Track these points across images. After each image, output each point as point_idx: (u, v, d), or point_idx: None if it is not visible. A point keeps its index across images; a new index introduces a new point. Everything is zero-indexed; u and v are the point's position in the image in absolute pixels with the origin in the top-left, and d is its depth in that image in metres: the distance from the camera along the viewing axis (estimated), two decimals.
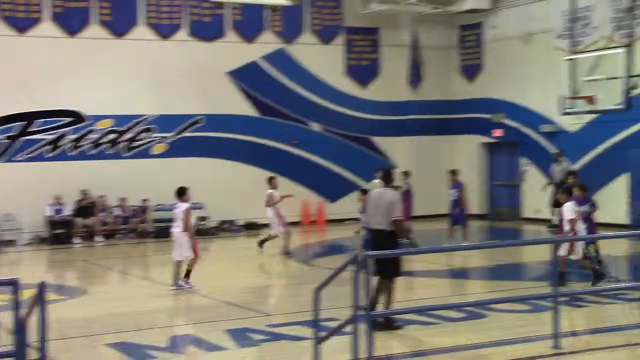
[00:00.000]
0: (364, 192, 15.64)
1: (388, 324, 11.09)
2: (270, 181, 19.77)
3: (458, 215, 20.41)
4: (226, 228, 25.19)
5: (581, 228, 14.19)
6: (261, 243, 19.50)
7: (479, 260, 18.12)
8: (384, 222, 11.22)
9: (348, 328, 8.86)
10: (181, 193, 14.91)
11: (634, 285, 13.33)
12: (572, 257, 14.09)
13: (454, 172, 21.03)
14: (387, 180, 11.78)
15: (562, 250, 13.83)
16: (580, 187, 15.46)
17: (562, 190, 14.64)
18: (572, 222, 13.91)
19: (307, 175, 26.56)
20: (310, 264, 18.46)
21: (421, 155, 27.31)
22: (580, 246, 14.10)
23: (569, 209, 14.01)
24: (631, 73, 19.85)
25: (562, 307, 10.17)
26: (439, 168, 26.77)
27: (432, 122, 28.49)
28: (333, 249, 21.64)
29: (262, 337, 11.02)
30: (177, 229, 14.85)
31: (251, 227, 25.11)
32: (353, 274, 8.66)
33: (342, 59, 27.50)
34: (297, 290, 15.14)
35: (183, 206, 14.81)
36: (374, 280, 10.82)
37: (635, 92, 20.11)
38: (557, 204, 23.79)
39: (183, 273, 14.72)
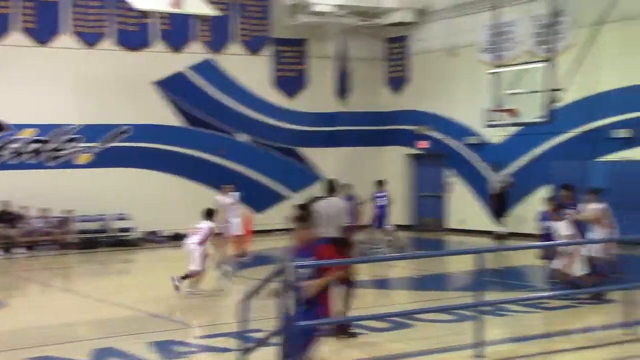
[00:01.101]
0: (302, 206, 15.68)
1: (344, 331, 11.22)
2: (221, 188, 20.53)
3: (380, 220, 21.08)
4: (151, 239, 24.93)
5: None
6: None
7: (405, 270, 18.29)
8: (334, 230, 11.48)
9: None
10: (210, 214, 16.03)
11: (554, 294, 13.59)
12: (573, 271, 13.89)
13: (381, 183, 21.57)
14: (331, 190, 12.05)
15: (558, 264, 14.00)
16: (551, 201, 15.30)
17: (554, 208, 14.55)
18: (572, 237, 13.76)
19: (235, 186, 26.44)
20: (238, 275, 18.37)
21: (349, 166, 27.43)
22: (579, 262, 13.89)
23: (563, 227, 13.90)
24: (552, 87, 20.30)
25: (485, 317, 10.32)
26: (366, 179, 26.98)
27: (359, 133, 28.69)
28: (261, 259, 21.58)
29: (187, 349, 10.92)
30: (192, 243, 15.56)
31: (177, 238, 24.86)
32: (280, 285, 8.65)
33: (270, 69, 27.52)
34: (224, 302, 15.05)
35: (208, 223, 15.76)
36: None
37: (556, 105, 20.57)
38: (498, 215, 24.29)
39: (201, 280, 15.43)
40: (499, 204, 24.35)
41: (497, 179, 24.44)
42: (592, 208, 14.67)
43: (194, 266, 15.48)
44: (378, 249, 20.97)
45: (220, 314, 14.15)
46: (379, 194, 21.93)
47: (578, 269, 13.78)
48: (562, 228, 13.85)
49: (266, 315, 10.58)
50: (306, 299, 8.14)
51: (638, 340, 10.77)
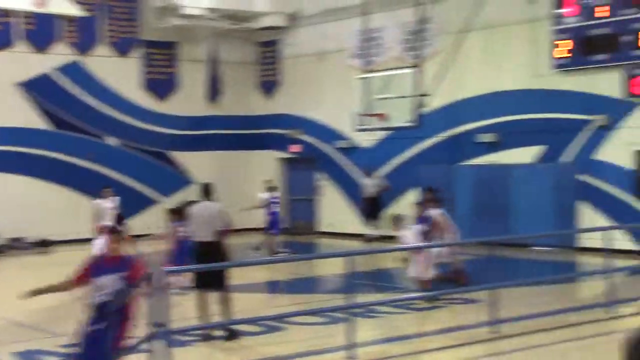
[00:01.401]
0: (174, 211, 15.77)
1: (232, 335, 11.21)
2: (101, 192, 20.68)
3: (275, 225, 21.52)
4: (16, 245, 24.09)
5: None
6: None
7: (278, 273, 18.32)
8: (210, 234, 11.44)
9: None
10: (120, 218, 17.97)
11: (422, 295, 13.90)
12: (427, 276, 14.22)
13: (273, 187, 21.86)
14: (207, 193, 12.01)
15: (413, 271, 14.24)
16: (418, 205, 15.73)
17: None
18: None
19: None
20: None
21: (221, 170, 27.32)
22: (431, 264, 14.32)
23: (409, 236, 14.22)
24: (420, 92, 20.79)
25: (356, 319, 10.46)
26: (239, 183, 26.99)
27: (231, 137, 28.61)
28: None
29: (53, 358, 10.62)
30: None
31: (44, 244, 24.16)
32: (149, 290, 8.54)
33: (140, 72, 27.09)
34: None
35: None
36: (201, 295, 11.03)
37: (424, 110, 21.08)
38: (372, 218, 24.50)
39: None
40: (373, 207, 24.67)
41: (371, 183, 24.75)
42: (430, 215, 15.10)
43: None
44: (257, 252, 21.01)
45: None
46: (273, 199, 21.85)
47: (430, 273, 14.19)
48: (408, 237, 14.19)
49: (137, 322, 10.42)
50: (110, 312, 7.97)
51: (502, 338, 11.14)
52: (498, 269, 14.73)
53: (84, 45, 25.92)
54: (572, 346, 10.90)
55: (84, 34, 25.81)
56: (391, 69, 22.39)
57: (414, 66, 21.28)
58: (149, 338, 8.66)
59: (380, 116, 21.27)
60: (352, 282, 10.59)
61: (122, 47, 26.70)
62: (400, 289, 15.64)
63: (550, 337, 11.19)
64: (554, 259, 20.01)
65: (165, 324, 8.75)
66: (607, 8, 19.74)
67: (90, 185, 24.77)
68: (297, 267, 18.79)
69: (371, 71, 23.12)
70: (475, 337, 11.23)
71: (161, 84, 27.50)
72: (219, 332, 11.47)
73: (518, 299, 13.55)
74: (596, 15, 19.97)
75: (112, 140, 26.41)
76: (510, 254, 20.00)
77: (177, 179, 27.35)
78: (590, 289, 15.54)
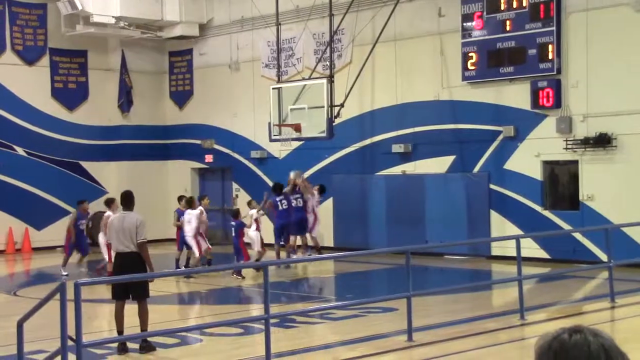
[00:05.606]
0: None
1: (148, 347, 11.06)
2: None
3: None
4: None
5: None
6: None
7: (196, 285, 18.13)
8: (131, 244, 11.24)
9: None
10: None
11: (339, 304, 13.96)
12: None
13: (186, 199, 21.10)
14: (128, 203, 11.76)
15: None
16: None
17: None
18: None
19: (11, 201, 25.20)
20: (16, 294, 17.51)
21: (134, 180, 26.82)
22: None
23: None
24: (332, 103, 20.91)
25: (275, 329, 10.44)
26: (152, 193, 26.57)
27: (144, 147, 28.16)
28: (40, 277, 20.70)
29: None
30: None
31: None
32: (60, 303, 8.38)
33: (48, 81, 26.48)
34: (1, 322, 14.28)
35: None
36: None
37: (337, 120, 21.20)
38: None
39: None
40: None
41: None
42: None
43: None
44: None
45: None
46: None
47: None
48: None
49: (48, 335, 10.19)
50: None
51: (419, 346, 11.25)
52: (413, 278, 14.85)
53: None
54: (486, 352, 11.07)
55: None
56: (304, 79, 22.48)
57: (327, 77, 21.41)
58: (61, 352, 8.45)
59: (295, 126, 21.32)
60: (269, 293, 10.56)
61: (29, 55, 26.07)
62: (319, 298, 15.65)
63: (465, 344, 11.35)
64: (467, 267, 20.34)
65: (78, 337, 8.56)
66: (514, 22, 20.22)
67: None
68: (214, 279, 18.61)
69: (284, 81, 23.17)
70: (393, 345, 11.33)
71: (71, 93, 26.93)
72: (134, 345, 11.28)
73: (433, 307, 13.72)
74: (503, 28, 20.43)
75: (20, 150, 25.70)
76: (424, 263, 20.23)
77: (89, 190, 26.76)
78: (503, 296, 15.84)
